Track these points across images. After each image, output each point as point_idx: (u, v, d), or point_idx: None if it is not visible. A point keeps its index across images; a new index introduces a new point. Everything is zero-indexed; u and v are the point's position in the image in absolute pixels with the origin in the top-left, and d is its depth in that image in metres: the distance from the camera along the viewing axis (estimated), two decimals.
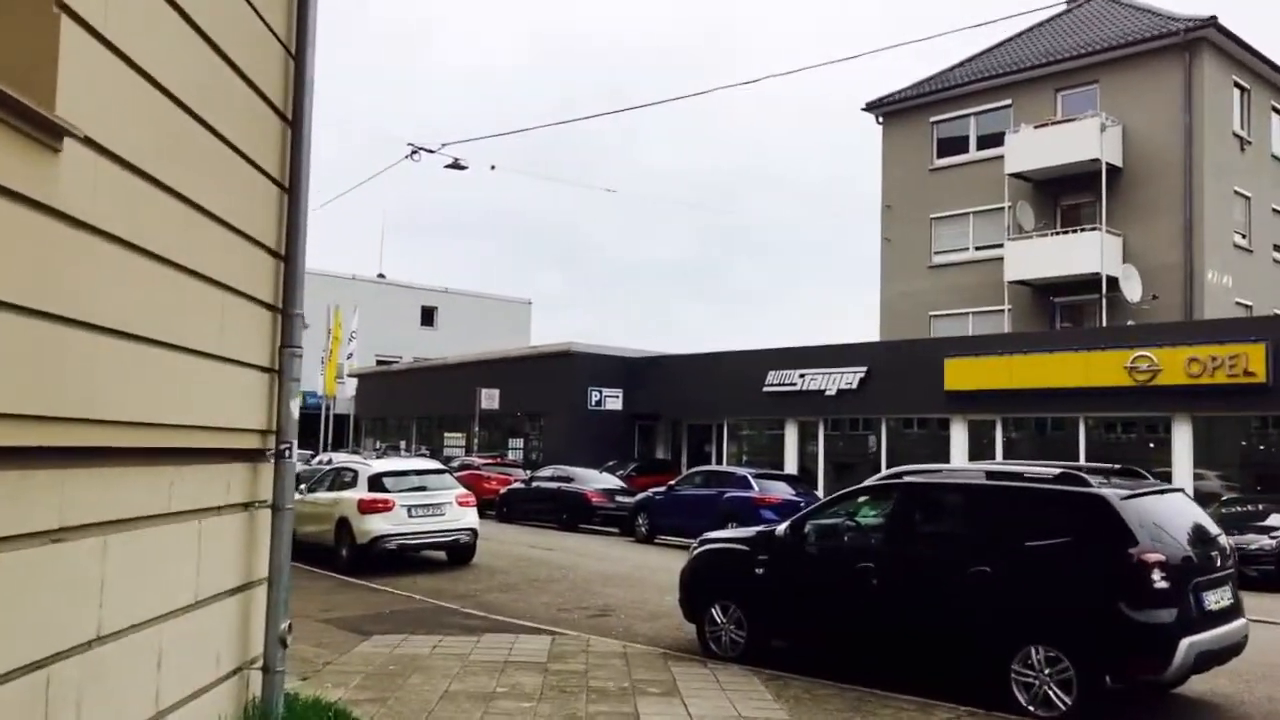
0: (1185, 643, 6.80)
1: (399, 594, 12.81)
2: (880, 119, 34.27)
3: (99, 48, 3.55)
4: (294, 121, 5.65)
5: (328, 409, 47.26)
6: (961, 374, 25.03)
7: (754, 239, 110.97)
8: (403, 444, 44.84)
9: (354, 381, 48.36)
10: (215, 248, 4.65)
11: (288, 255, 5.59)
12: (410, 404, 44.79)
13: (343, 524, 15.32)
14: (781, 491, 19.60)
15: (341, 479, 16.33)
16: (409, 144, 22.56)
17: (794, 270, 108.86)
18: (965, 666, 7.87)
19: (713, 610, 9.45)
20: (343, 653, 8.97)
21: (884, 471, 9.23)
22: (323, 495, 16.42)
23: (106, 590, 3.85)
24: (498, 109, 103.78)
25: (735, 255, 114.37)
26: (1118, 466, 8.25)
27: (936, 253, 32.20)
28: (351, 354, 48.71)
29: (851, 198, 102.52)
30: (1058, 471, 7.74)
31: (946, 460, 25.36)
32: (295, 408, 5.61)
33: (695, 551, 9.99)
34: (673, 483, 21.63)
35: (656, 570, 16.17)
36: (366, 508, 14.96)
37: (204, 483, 4.80)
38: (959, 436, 25.62)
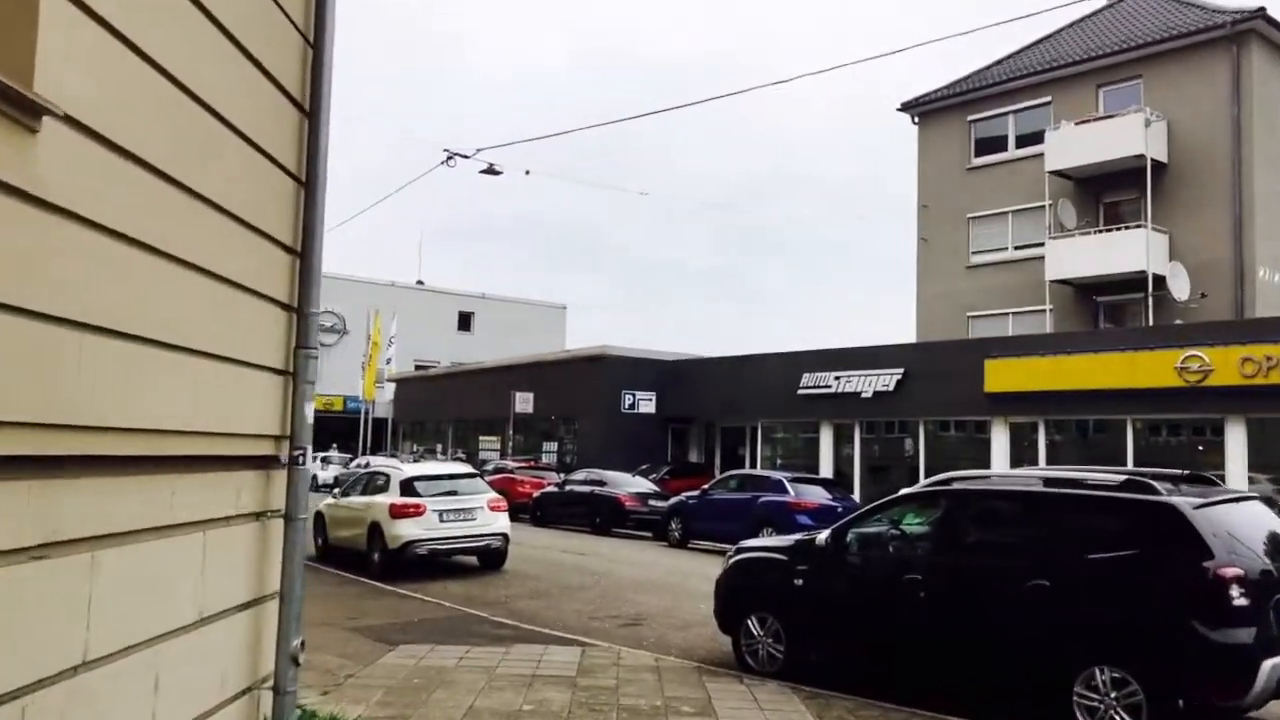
0: (1268, 665, 6.32)
1: (429, 601, 12.54)
2: (916, 119, 33.70)
3: (85, 19, 3.25)
4: (311, 112, 5.34)
5: (367, 413, 47.38)
6: (1003, 375, 24.45)
7: (786, 242, 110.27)
8: (439, 447, 44.78)
9: (392, 386, 48.49)
10: (221, 242, 4.35)
11: (304, 252, 5.29)
12: (447, 408, 44.71)
13: (374, 529, 15.09)
14: (818, 496, 19.16)
15: (374, 483, 16.11)
16: (444, 150, 22.39)
17: (826, 273, 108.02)
18: (1022, 687, 7.44)
19: (749, 622, 9.07)
20: (367, 664, 8.68)
21: (930, 478, 8.78)
22: (356, 500, 16.22)
23: (95, 610, 3.55)
24: (533, 118, 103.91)
25: (767, 258, 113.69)
26: (1186, 472, 7.77)
27: (974, 253, 31.58)
28: (390, 359, 48.83)
29: (882, 199, 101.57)
30: (1123, 478, 7.27)
31: (987, 464, 24.79)
32: (310, 412, 5.31)
33: (731, 561, 9.61)
34: (706, 487, 21.25)
35: (690, 576, 15.80)
36: (398, 512, 14.72)
37: (210, 492, 4.50)
38: (1000, 439, 25.03)
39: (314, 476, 39.30)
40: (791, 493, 18.96)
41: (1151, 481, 7.22)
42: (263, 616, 5.17)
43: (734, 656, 9.27)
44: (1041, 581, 7.21)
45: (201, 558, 4.43)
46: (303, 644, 5.30)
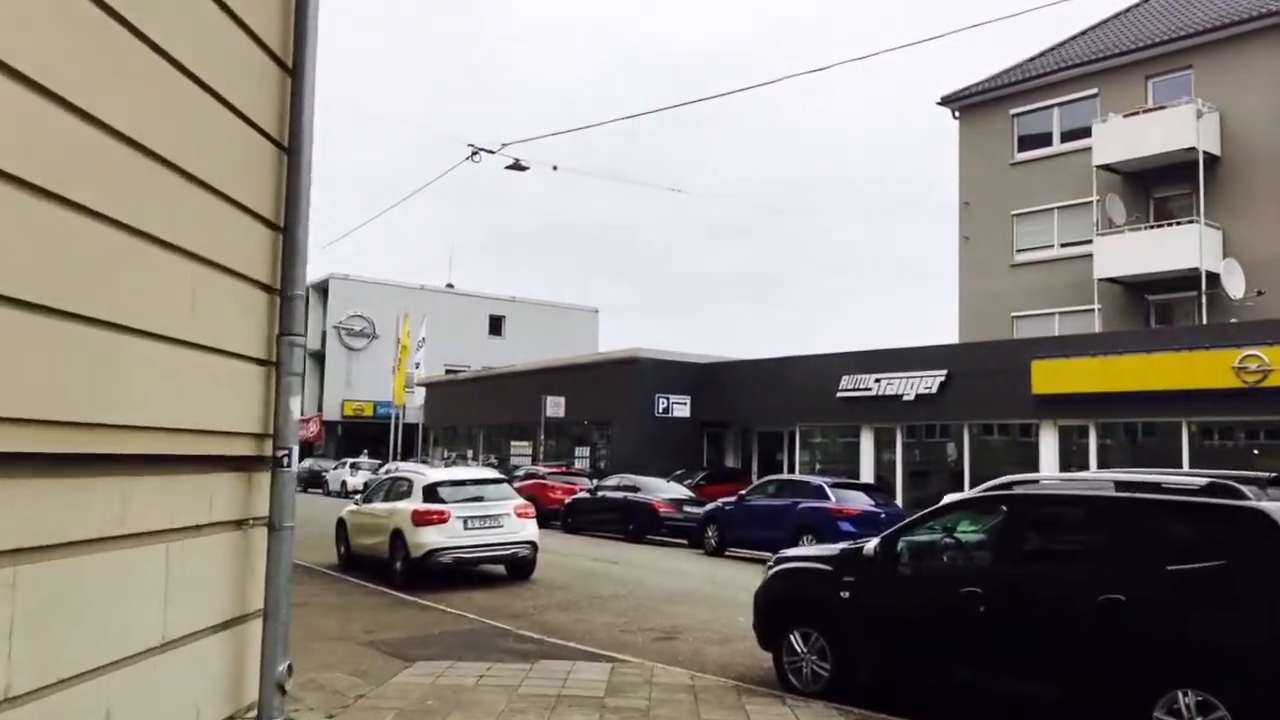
0: None
1: (451, 612, 11.96)
2: (956, 113, 32.81)
3: None
4: (295, 70, 4.78)
5: (397, 418, 47.09)
6: (1051, 376, 23.56)
7: (822, 247, 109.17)
8: (470, 453, 44.37)
9: (422, 390, 48.19)
10: (183, 210, 3.78)
11: (287, 226, 4.72)
12: (477, 413, 44.27)
13: (397, 536, 14.55)
14: (859, 502, 18.41)
15: (397, 489, 15.58)
16: (469, 144, 21.89)
17: (864, 277, 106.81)
18: (1094, 711, 6.71)
19: (792, 638, 8.39)
20: (380, 683, 8.09)
21: (986, 483, 8.08)
22: (378, 506, 15.70)
23: (18, 637, 2.98)
24: (567, 120, 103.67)
25: (804, 263, 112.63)
26: (1274, 475, 7.01)
27: (1019, 251, 30.62)
28: (419, 363, 48.52)
29: (920, 201, 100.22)
30: (1205, 481, 6.53)
31: (1035, 469, 23.90)
32: (296, 407, 4.73)
33: (771, 571, 8.93)
34: (743, 492, 20.54)
35: (727, 585, 15.12)
36: (421, 519, 14.16)
37: (175, 497, 3.93)
38: (1048, 443, 24.13)
39: (343, 483, 39.48)
40: (832, 498, 18.22)
41: (1238, 485, 6.48)
42: (244, 638, 4.59)
43: (775, 674, 8.59)
44: (1115, 595, 6.49)
45: (164, 573, 3.86)
46: (290, 668, 4.71)
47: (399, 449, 46.22)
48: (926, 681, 7.78)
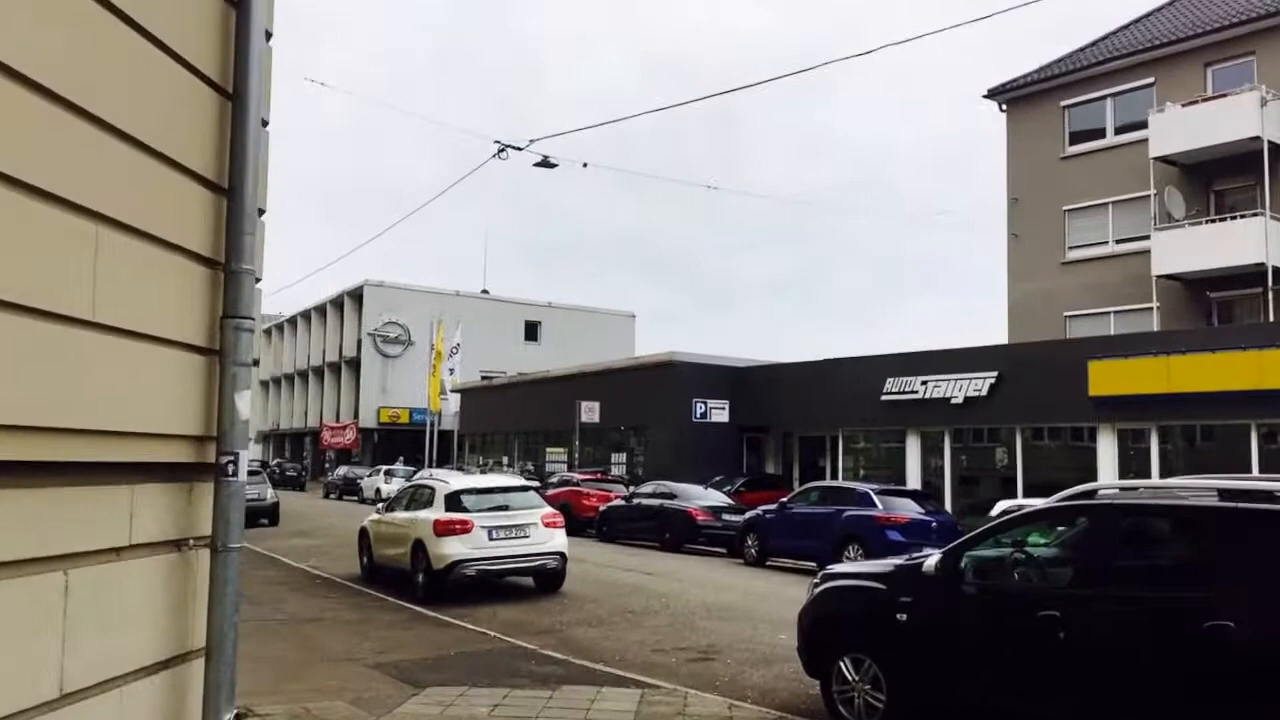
0: None
1: (472, 630, 11.17)
2: (1004, 106, 31.64)
3: None
4: (239, 1, 3.98)
5: (433, 426, 46.56)
6: (1109, 377, 22.39)
7: (857, 250, 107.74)
8: (505, 460, 43.72)
9: (457, 397, 47.64)
10: (72, 155, 2.99)
11: (233, 188, 3.93)
12: (512, 419, 43.62)
13: (418, 547, 13.78)
14: (908, 510, 17.40)
15: (419, 498, 14.83)
16: (495, 141, 21.21)
17: (905, 281, 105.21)
18: None
19: (841, 665, 7.49)
20: (384, 712, 7.30)
21: (1069, 489, 7.15)
22: (400, 515, 14.96)
23: None
24: (605, 129, 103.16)
25: (838, 267, 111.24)
26: None
27: (1071, 247, 29.39)
28: (454, 369, 48.00)
29: (962, 203, 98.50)
30: None
31: (1093, 475, 22.75)
32: (245, 404, 3.94)
33: (817, 590, 8.02)
34: (785, 499, 19.58)
35: (768, 599, 14.22)
36: (443, 529, 13.39)
37: (80, 513, 3.14)
38: (1106, 447, 22.94)
39: (377, 490, 38.88)
40: (879, 506, 17.23)
41: None
42: (181, 682, 3.79)
43: (823, 703, 7.70)
44: (1224, 621, 5.55)
45: (61, 608, 3.07)
46: (238, 717, 3.90)
47: (434, 456, 45.66)
48: (996, 717, 6.85)
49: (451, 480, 14.82)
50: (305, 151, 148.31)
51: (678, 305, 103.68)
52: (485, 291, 63.04)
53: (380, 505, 16.61)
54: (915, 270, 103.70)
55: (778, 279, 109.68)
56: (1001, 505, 21.70)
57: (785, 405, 31.00)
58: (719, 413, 32.74)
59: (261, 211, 4.28)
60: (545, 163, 21.75)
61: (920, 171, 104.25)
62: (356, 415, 58.60)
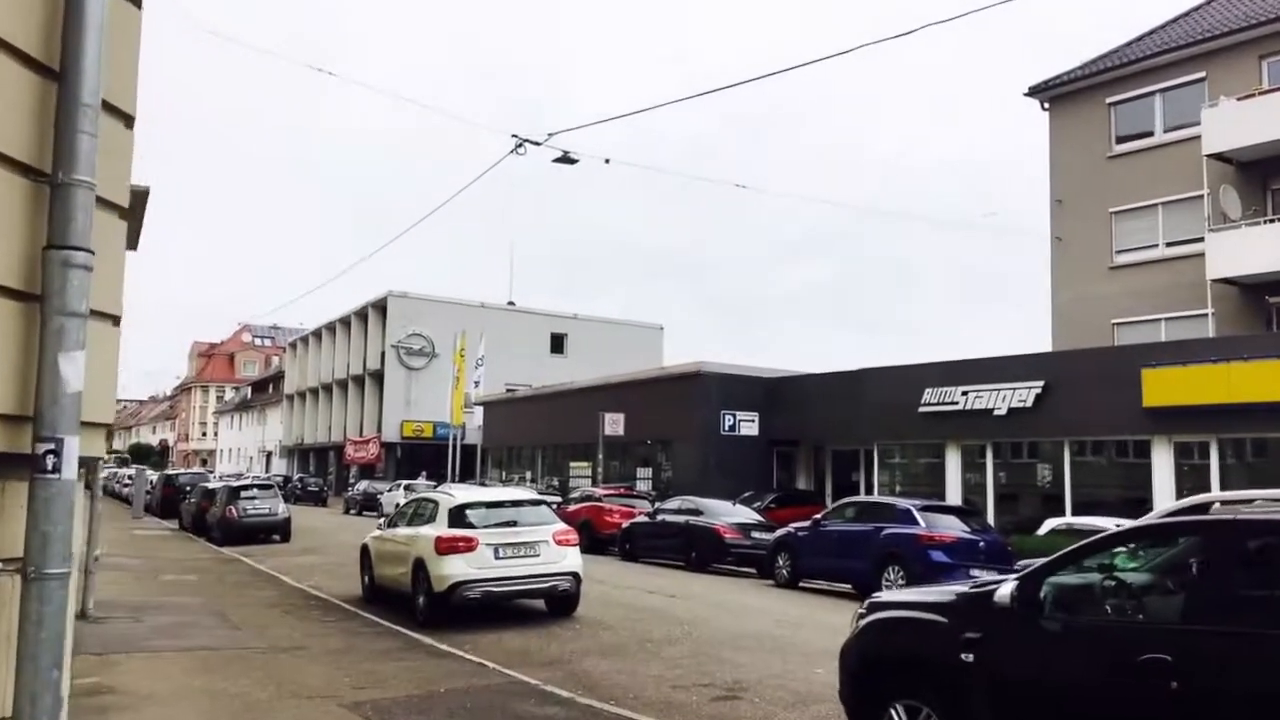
0: None
1: (470, 661, 9.98)
2: (1046, 104, 30.26)
3: None
4: None
5: (456, 439, 45.53)
6: (1165, 386, 20.95)
7: (889, 261, 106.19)
8: (528, 475, 42.63)
9: (480, 410, 46.64)
10: None
11: (64, 70, 2.80)
12: (536, 433, 42.50)
13: (419, 566, 12.63)
14: (953, 528, 16.05)
15: (421, 513, 13.69)
16: (513, 135, 20.14)
17: (932, 292, 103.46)
18: None
19: (894, 712, 6.24)
20: None
21: (1173, 504, 5.90)
22: (401, 531, 13.83)
23: None
24: (634, 139, 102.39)
25: (875, 282, 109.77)
26: None
27: (1119, 251, 27.93)
28: (479, 381, 47.00)
29: (990, 209, 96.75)
30: None
31: (1147, 490, 21.34)
32: (76, 371, 2.79)
33: (864, 622, 6.75)
34: (819, 516, 18.27)
35: (801, 626, 12.95)
36: (445, 547, 12.22)
37: None
38: (1162, 461, 21.48)
39: (396, 506, 37.69)
40: (922, 523, 15.89)
41: None
42: None
43: None
44: None
45: None
46: None
47: (457, 471, 44.66)
48: None
49: (456, 493, 13.64)
50: (343, 166, 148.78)
51: (706, 319, 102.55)
52: (511, 303, 62.14)
53: (382, 521, 15.46)
54: (950, 280, 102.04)
55: (808, 292, 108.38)
56: (1050, 524, 20.34)
57: (817, 418, 29.70)
58: (748, 425, 31.48)
59: (127, 118, 3.15)
60: (565, 158, 20.65)
61: (955, 178, 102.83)
62: (379, 429, 57.75)
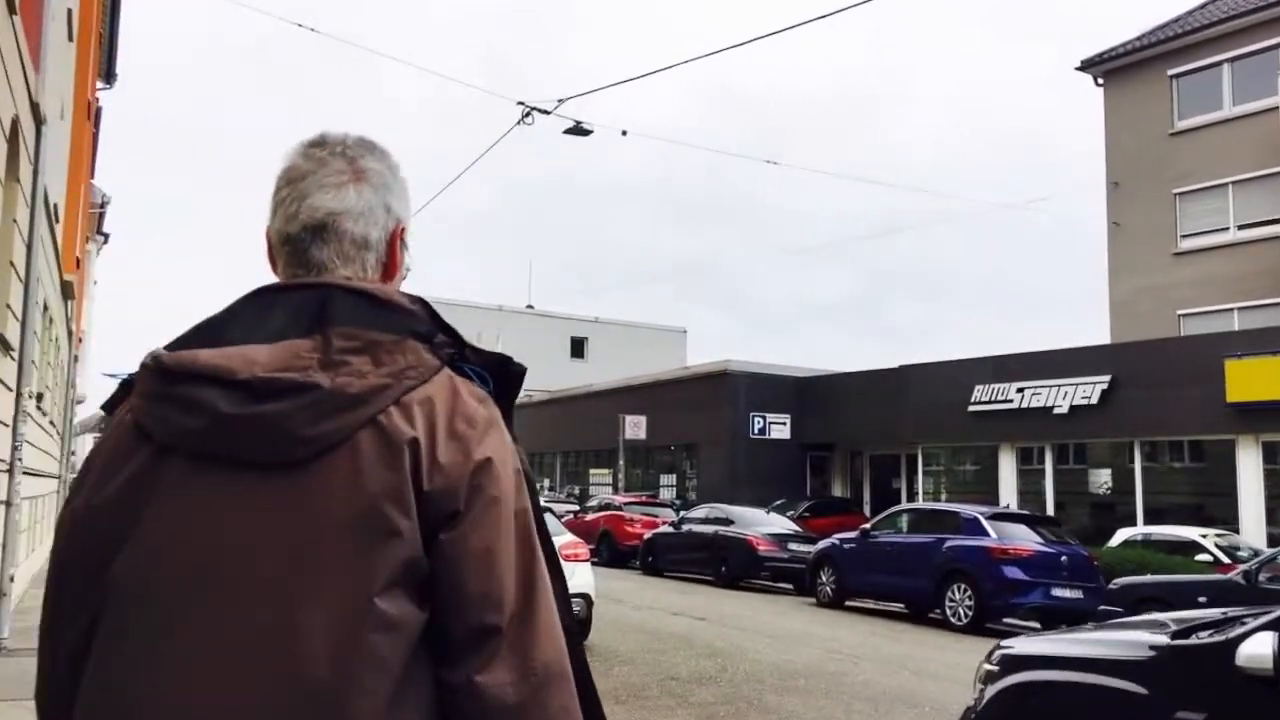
0: None
1: None
2: (1100, 79, 27.96)
3: None
4: None
5: None
6: (1251, 380, 18.63)
7: (914, 268, 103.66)
8: (546, 483, 40.56)
9: None
10: None
11: None
12: (554, 439, 40.42)
13: None
14: (1028, 540, 13.81)
15: None
16: (519, 102, 18.11)
17: (961, 299, 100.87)
18: None
19: None
20: None
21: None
22: None
23: None
24: (648, 153, 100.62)
25: (904, 289, 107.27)
26: None
27: (1184, 236, 25.59)
28: None
29: (1019, 221, 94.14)
30: None
31: (1231, 494, 19.05)
32: None
33: (997, 687, 4.57)
34: (869, 526, 16.02)
35: (860, 659, 10.78)
36: None
37: None
38: (1248, 462, 19.13)
39: None
40: (992, 534, 13.65)
41: None
42: None
43: None
44: None
45: None
46: None
47: None
48: None
49: None
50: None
51: (730, 326, 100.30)
52: (530, 306, 60.17)
53: None
54: (980, 287, 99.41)
55: (836, 298, 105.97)
56: (1124, 534, 18.09)
57: (854, 419, 27.48)
58: (779, 428, 29.28)
59: None
60: (578, 129, 18.63)
61: (980, 189, 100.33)
62: None
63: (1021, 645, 4.90)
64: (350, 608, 1.05)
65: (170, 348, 1.17)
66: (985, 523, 13.86)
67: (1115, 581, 12.22)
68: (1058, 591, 13.06)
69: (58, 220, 15.53)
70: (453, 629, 1.10)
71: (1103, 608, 12.21)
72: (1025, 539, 13.71)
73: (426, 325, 1.21)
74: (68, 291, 18.76)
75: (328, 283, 1.21)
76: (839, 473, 29.67)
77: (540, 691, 1.10)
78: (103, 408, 1.28)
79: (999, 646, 4.82)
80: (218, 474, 1.09)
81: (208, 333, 1.17)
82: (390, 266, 1.33)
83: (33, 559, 17.40)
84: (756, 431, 29.01)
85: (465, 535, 1.11)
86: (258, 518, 1.08)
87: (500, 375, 1.30)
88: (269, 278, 1.32)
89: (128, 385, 1.20)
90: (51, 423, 18.32)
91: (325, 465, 1.09)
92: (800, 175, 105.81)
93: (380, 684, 1.04)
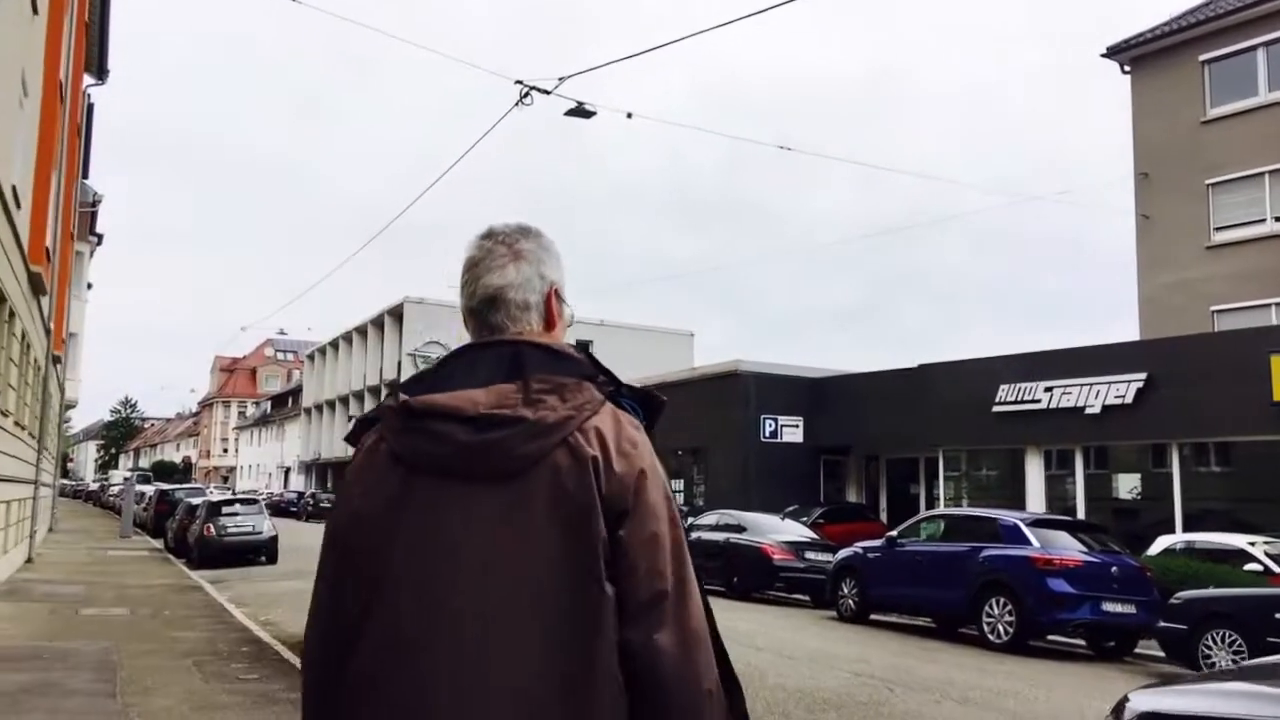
0: None
1: None
2: (1127, 67, 26.77)
3: None
4: None
5: None
6: None
7: (924, 276, 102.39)
8: None
9: None
10: None
11: None
12: None
13: None
14: (1073, 549, 12.56)
15: None
16: (516, 81, 16.98)
17: (971, 307, 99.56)
18: None
19: None
20: None
21: None
22: None
23: None
24: (658, 156, 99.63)
25: (909, 296, 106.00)
26: None
27: (1218, 229, 24.37)
28: None
29: (1031, 221, 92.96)
30: None
31: (1277, 500, 17.77)
32: None
33: None
34: (895, 534, 14.77)
35: (894, 683, 9.58)
36: None
37: None
38: None
39: None
40: (1034, 542, 12.42)
41: None
42: None
43: None
44: None
45: None
46: None
47: None
48: None
49: None
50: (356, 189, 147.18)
51: (737, 331, 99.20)
52: None
53: None
54: (988, 295, 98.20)
55: (845, 303, 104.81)
56: (1163, 542, 16.87)
57: (870, 421, 26.28)
58: (791, 431, 28.10)
59: None
60: (580, 110, 17.50)
61: (988, 198, 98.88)
62: None
63: (1158, 699, 3.70)
64: (569, 570, 1.44)
65: (406, 392, 1.57)
66: (1026, 530, 12.61)
67: (1177, 596, 10.99)
68: (1108, 606, 11.83)
69: (18, 206, 14.42)
70: (631, 598, 1.46)
71: (1163, 625, 10.98)
72: (1070, 548, 12.46)
73: (591, 370, 1.61)
74: (36, 285, 17.64)
75: (517, 340, 1.63)
76: (854, 477, 28.46)
77: (692, 651, 1.47)
78: (346, 440, 1.74)
79: (1128, 699, 3.63)
80: (458, 485, 1.49)
81: (433, 382, 1.58)
82: (550, 319, 1.71)
83: (3, 562, 16.25)
84: (768, 434, 27.84)
85: (635, 528, 1.49)
86: (492, 513, 1.46)
87: (647, 406, 1.71)
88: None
89: (365, 421, 1.64)
90: (19, 424, 17.17)
91: (534, 475, 1.48)
92: (808, 177, 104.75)
93: (603, 622, 1.43)
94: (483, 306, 1.66)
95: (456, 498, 1.46)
